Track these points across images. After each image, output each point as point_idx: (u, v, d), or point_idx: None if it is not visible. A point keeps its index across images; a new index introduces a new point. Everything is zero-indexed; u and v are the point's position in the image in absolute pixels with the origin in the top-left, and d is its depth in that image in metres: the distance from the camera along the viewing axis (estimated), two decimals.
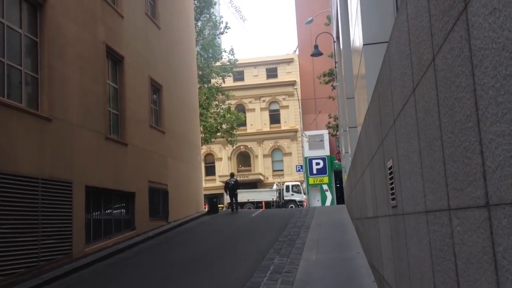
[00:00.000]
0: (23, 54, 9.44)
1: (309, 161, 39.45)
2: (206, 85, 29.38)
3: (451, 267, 2.15)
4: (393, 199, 3.96)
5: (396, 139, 3.59)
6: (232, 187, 21.08)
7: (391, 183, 3.99)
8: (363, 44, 5.74)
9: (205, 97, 27.92)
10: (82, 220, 10.63)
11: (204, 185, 35.92)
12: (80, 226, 10.47)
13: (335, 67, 20.82)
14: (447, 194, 2.14)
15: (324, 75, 29.87)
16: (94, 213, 11.49)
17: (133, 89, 14.20)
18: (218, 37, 33.03)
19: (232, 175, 22.64)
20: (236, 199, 21.40)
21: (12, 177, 8.39)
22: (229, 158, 43.26)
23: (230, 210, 22.08)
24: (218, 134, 30.01)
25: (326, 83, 29.86)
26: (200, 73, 28.58)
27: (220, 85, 30.55)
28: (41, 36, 9.93)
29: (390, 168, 3.99)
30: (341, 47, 13.08)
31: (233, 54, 31.38)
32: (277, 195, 35.99)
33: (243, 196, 36.45)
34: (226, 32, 30.48)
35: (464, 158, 1.82)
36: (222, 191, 37.60)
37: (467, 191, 1.81)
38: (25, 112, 9.01)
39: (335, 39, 18.33)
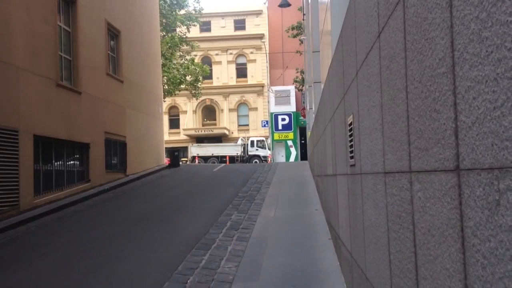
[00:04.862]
0: None
1: (274, 116, 39.28)
2: (169, 34, 28.05)
3: (409, 236, 1.89)
4: (351, 157, 3.76)
5: (357, 93, 3.29)
6: None
7: (351, 140, 3.74)
8: None
9: (167, 47, 26.69)
10: (31, 171, 10.06)
11: (168, 138, 35.33)
12: (28, 177, 9.91)
13: (303, 20, 20.21)
14: (408, 154, 1.85)
15: (293, 28, 29.22)
16: (44, 164, 10.90)
17: (87, 33, 13.28)
18: None
19: None
20: None
21: None
22: (194, 112, 42.44)
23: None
24: (182, 86, 29.02)
25: (294, 36, 29.25)
26: (164, 21, 27.21)
27: (185, 35, 29.22)
28: None
29: (350, 124, 3.73)
30: None
31: (198, 2, 29.95)
32: (242, 150, 35.85)
33: (208, 150, 36.10)
34: None
35: (431, 112, 1.51)
36: (186, 144, 37.48)
37: (433, 151, 1.51)
38: None
39: None
